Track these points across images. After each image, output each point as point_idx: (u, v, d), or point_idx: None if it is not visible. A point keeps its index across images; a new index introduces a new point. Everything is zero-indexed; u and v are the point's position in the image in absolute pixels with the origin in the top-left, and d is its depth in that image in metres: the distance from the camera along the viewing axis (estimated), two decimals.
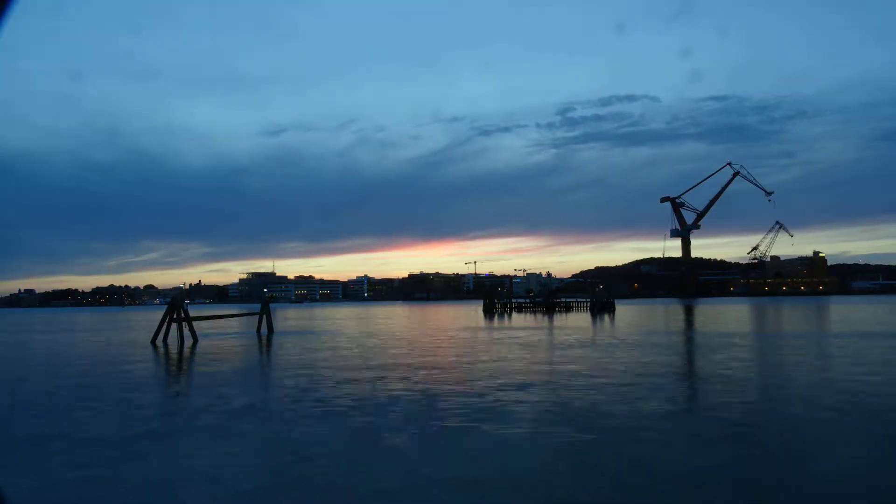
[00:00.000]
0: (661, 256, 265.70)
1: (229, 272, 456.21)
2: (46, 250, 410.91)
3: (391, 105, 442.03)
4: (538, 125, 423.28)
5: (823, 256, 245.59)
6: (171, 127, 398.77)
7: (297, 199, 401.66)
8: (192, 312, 47.00)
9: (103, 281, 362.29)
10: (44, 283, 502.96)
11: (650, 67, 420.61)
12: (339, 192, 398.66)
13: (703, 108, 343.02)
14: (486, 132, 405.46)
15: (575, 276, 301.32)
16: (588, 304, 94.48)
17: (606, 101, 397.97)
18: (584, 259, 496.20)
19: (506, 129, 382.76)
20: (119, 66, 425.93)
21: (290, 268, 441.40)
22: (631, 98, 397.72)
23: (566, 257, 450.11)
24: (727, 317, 69.50)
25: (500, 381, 20.92)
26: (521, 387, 19.69)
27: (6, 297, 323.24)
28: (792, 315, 72.33)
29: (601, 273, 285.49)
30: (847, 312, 75.25)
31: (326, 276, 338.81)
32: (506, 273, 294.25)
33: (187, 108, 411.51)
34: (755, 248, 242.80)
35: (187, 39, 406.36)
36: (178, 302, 45.74)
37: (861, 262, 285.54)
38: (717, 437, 12.79)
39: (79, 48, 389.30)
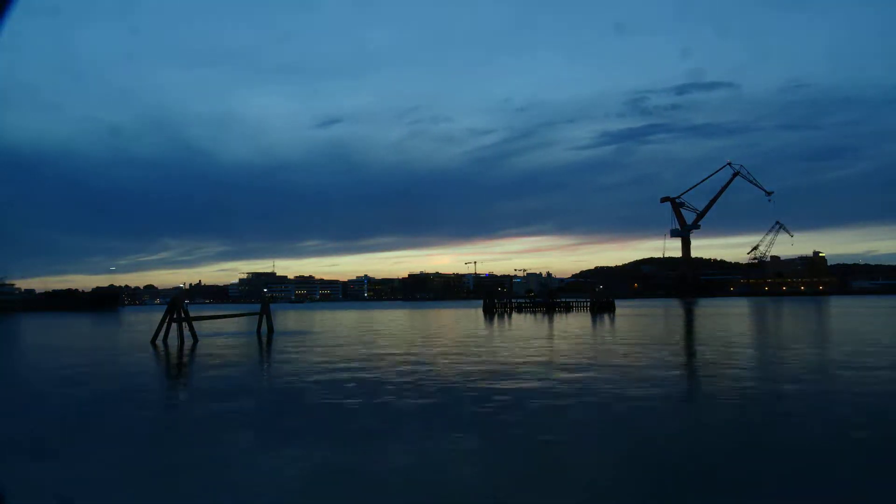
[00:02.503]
0: (662, 256, 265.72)
1: (239, 271, 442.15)
2: (59, 248, 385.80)
3: (454, 95, 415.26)
4: (607, 115, 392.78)
5: (823, 256, 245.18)
6: (225, 118, 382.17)
7: (335, 196, 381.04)
8: (192, 313, 47.00)
9: (113, 280, 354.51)
10: (52, 283, 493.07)
11: (736, 53, 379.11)
12: (382, 188, 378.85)
13: (784, 98, 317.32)
14: (550, 123, 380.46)
15: (575, 276, 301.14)
16: (588, 305, 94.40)
17: (683, 90, 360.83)
18: (606, 258, 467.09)
19: (571, 121, 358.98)
20: (177, 53, 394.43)
21: (306, 267, 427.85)
22: (711, 86, 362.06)
23: (587, 256, 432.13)
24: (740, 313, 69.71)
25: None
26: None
27: None
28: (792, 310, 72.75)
29: (601, 273, 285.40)
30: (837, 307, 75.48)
31: (327, 277, 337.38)
32: (506, 273, 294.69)
33: (245, 98, 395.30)
34: (755, 248, 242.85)
35: (250, 25, 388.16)
36: (178, 302, 45.74)
37: (861, 261, 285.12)
38: None
39: (135, 34, 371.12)
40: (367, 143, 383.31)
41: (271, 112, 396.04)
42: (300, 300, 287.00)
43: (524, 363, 26.51)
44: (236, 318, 61.65)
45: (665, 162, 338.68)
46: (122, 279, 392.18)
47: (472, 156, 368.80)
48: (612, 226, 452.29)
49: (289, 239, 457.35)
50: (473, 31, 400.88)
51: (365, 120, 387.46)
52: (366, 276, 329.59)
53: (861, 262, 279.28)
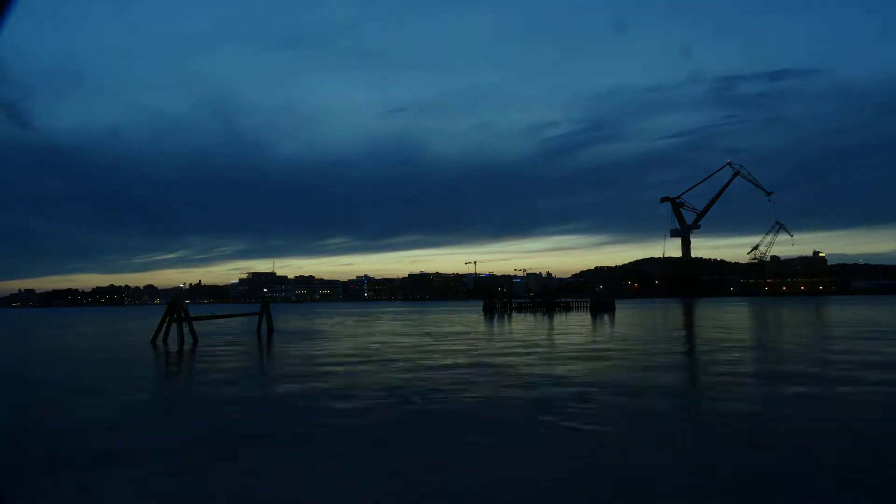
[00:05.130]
0: (662, 256, 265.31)
1: (248, 271, 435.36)
2: (76, 245, 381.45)
3: (526, 84, 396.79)
4: (691, 102, 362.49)
5: (823, 256, 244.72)
6: (286, 105, 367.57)
7: (381, 192, 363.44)
8: (192, 313, 46.88)
9: (115, 280, 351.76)
10: (53, 282, 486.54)
11: (841, 37, 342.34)
12: (426, 184, 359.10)
13: (881, 88, 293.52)
14: (627, 113, 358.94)
15: (575, 275, 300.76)
16: (588, 304, 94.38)
17: (777, 76, 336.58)
18: (606, 258, 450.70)
19: (648, 110, 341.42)
20: (239, 37, 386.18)
21: (320, 267, 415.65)
22: (809, 73, 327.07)
23: (587, 257, 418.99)
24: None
25: None
26: None
27: (5, 297, 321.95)
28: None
29: (601, 273, 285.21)
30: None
31: (327, 276, 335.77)
32: (507, 273, 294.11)
33: (307, 85, 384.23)
34: (755, 248, 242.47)
35: (318, 8, 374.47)
36: (178, 302, 45.65)
37: (861, 262, 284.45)
38: None
39: (196, 17, 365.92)
40: (429, 135, 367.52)
41: (334, 100, 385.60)
42: (300, 300, 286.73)
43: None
44: (237, 318, 61.56)
45: (735, 155, 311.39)
46: (125, 279, 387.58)
47: (540, 148, 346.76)
48: (618, 225, 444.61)
49: (313, 237, 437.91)
50: (546, 18, 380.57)
51: (430, 111, 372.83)
52: (365, 276, 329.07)
53: (861, 261, 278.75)
